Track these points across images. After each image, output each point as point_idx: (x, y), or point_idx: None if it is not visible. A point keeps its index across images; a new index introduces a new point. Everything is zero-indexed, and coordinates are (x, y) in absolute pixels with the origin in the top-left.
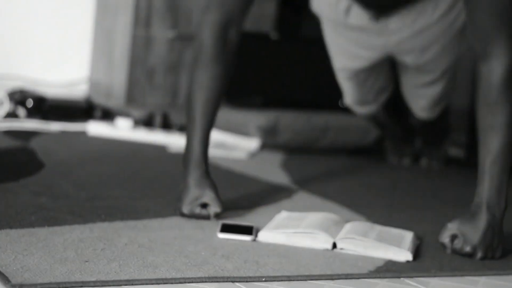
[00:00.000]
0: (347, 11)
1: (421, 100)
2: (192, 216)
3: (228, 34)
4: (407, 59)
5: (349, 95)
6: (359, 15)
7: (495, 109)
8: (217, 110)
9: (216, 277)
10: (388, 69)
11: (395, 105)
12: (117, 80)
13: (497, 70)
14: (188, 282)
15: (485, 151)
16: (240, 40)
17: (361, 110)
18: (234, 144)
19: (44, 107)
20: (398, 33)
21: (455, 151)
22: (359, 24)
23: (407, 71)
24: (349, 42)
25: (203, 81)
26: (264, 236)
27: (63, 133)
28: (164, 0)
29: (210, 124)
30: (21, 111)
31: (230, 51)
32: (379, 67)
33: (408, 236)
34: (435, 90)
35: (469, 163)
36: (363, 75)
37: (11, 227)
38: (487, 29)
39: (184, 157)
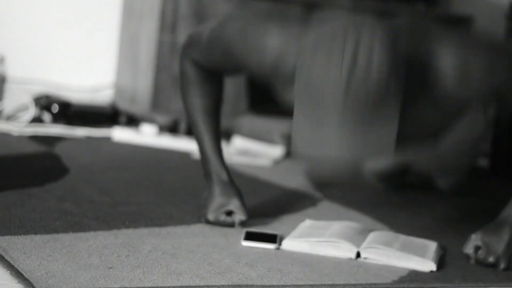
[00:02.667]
0: None
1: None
2: (217, 223)
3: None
4: (424, 166)
5: None
6: None
7: None
8: (218, 119)
9: (239, 285)
10: None
11: None
12: (142, 86)
13: None
14: None
15: None
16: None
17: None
18: (259, 151)
19: (69, 113)
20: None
21: (480, 161)
22: None
23: None
24: None
25: (196, 97)
26: (288, 244)
27: (88, 139)
28: (189, 6)
29: (216, 131)
30: (47, 116)
31: (216, 74)
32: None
33: (432, 246)
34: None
35: (494, 173)
36: None
37: (35, 233)
38: None
39: (204, 169)
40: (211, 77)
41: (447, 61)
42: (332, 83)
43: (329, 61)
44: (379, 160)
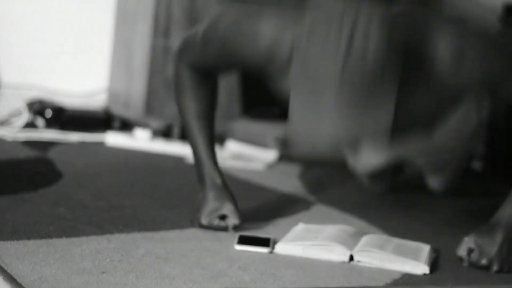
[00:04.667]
0: None
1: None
2: (211, 227)
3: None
4: (418, 161)
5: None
6: None
7: None
8: (213, 123)
9: None
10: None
11: None
12: (136, 90)
13: None
14: None
15: None
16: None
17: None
18: (252, 155)
19: (63, 117)
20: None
21: (473, 163)
22: None
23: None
24: None
25: (190, 102)
26: (281, 248)
27: (82, 144)
28: (183, 10)
29: (210, 136)
30: (40, 121)
31: (212, 80)
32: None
33: (425, 249)
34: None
35: (488, 175)
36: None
37: (28, 238)
38: None
39: (198, 173)
40: (206, 80)
41: (443, 47)
42: (329, 65)
43: (326, 43)
44: (372, 158)
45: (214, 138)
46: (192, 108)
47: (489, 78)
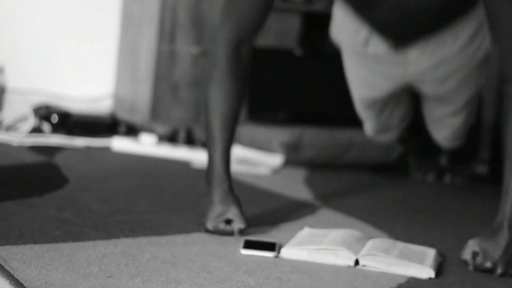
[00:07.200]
0: (367, 40)
1: (444, 130)
2: (216, 232)
3: (241, 51)
4: (426, 89)
5: (368, 124)
6: (379, 45)
7: None
8: (235, 125)
9: None
10: (408, 99)
11: (417, 124)
12: (141, 95)
13: None
14: None
15: (510, 171)
16: (252, 56)
17: (381, 138)
18: (258, 160)
19: (69, 123)
20: (417, 63)
21: (478, 167)
22: (378, 54)
23: (428, 101)
24: (367, 71)
25: (218, 97)
26: (287, 252)
27: (88, 149)
28: (188, 16)
29: (229, 139)
30: (46, 126)
31: (243, 67)
32: (397, 97)
33: (430, 253)
34: (457, 121)
35: (493, 179)
36: (381, 104)
37: (35, 242)
38: None
39: (207, 174)
40: (239, 65)
41: None
42: None
43: None
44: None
45: (233, 140)
46: (219, 104)
47: None
